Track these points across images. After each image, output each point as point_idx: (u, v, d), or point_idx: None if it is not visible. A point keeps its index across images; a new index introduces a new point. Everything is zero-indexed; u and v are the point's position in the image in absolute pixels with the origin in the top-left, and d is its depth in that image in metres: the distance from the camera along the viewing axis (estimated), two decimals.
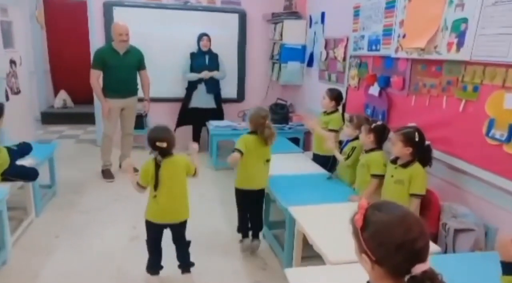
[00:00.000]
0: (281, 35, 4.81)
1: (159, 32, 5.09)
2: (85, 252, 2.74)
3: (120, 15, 4.88)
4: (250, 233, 2.79)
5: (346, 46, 3.71)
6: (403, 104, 2.81)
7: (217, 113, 4.88)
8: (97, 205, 3.50)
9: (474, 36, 2.06)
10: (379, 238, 0.89)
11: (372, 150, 2.54)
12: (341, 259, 1.79)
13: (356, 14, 3.41)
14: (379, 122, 2.56)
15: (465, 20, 2.12)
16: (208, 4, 5.21)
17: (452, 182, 2.38)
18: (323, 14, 4.29)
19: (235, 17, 5.24)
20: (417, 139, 2.15)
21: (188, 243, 2.42)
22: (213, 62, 4.77)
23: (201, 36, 4.74)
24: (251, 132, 2.62)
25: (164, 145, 2.17)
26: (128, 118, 4.30)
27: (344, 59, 3.76)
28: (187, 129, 5.10)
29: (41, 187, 3.52)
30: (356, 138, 2.78)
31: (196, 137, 5.18)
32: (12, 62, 4.59)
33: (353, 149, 2.80)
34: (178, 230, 2.37)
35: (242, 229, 2.77)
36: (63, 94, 7.15)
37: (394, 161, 2.29)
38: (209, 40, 4.74)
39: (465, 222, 2.09)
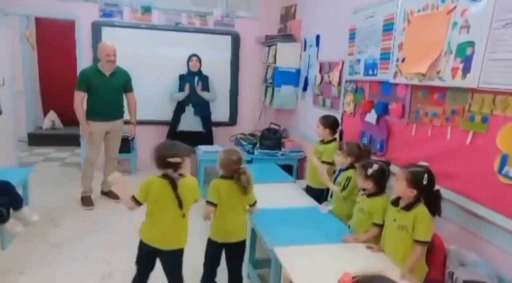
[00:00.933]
0: (275, 58, 4.64)
1: (149, 54, 4.91)
2: None
3: (109, 35, 4.71)
4: None
5: (341, 70, 3.52)
6: (403, 134, 2.58)
7: (206, 138, 4.63)
8: (71, 236, 3.21)
9: (482, 61, 1.85)
10: None
11: (375, 194, 2.24)
12: None
13: (352, 37, 3.23)
14: (375, 166, 2.20)
15: (471, 44, 1.91)
16: (200, 26, 5.06)
17: (459, 223, 2.11)
18: (318, 37, 4.13)
19: (228, 39, 5.09)
20: (425, 182, 1.86)
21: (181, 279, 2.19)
22: (203, 83, 4.57)
23: (190, 57, 4.57)
24: (224, 177, 2.29)
25: (178, 159, 2.00)
26: (113, 142, 4.07)
27: (339, 84, 3.56)
28: None
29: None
30: (350, 167, 2.53)
31: None
32: None
33: (348, 179, 2.54)
34: (166, 260, 2.13)
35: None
36: (52, 115, 6.94)
37: (395, 202, 2.01)
38: (199, 61, 4.56)
39: (476, 273, 1.81)
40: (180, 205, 2.03)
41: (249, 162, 4.31)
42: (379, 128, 2.83)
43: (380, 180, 2.20)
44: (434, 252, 2.08)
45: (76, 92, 3.78)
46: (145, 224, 2.14)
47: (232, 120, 5.33)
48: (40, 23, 6.85)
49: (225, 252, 2.41)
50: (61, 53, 6.74)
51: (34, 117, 6.89)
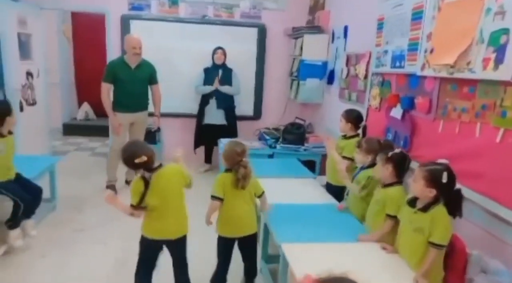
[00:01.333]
0: (301, 50, 4.52)
1: (175, 46, 4.95)
2: (66, 276, 2.53)
3: (138, 28, 4.79)
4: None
5: (368, 63, 3.35)
6: (429, 130, 2.41)
7: (229, 131, 4.60)
8: (93, 223, 3.30)
9: None
10: None
11: (390, 184, 2.13)
12: None
13: (380, 27, 3.06)
14: (397, 150, 2.13)
15: (506, 31, 1.73)
16: (227, 18, 5.02)
17: (484, 227, 1.95)
18: (346, 28, 3.97)
19: (254, 32, 5.02)
20: (444, 180, 1.71)
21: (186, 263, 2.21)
22: (226, 77, 4.54)
23: (215, 50, 4.54)
24: (228, 170, 2.24)
25: (144, 158, 1.98)
26: (137, 133, 4.12)
27: (366, 76, 3.40)
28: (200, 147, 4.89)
29: None
30: (371, 165, 2.39)
31: (208, 156, 4.94)
32: (29, 74, 4.58)
33: (369, 178, 2.40)
34: (176, 247, 2.16)
35: (216, 281, 2.35)
36: (85, 107, 7.18)
37: (412, 202, 1.87)
38: (224, 53, 4.52)
39: (498, 282, 1.65)
40: (140, 202, 2.02)
41: (271, 156, 4.25)
42: (404, 124, 2.67)
43: (400, 166, 2.09)
44: (454, 256, 1.93)
45: (103, 84, 3.86)
46: (147, 221, 2.12)
47: (257, 114, 5.27)
48: (76, 17, 7.08)
49: (238, 246, 2.38)
50: (95, 46, 6.93)
51: (69, 109, 7.15)
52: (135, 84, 3.90)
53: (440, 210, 1.75)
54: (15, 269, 2.57)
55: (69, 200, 3.69)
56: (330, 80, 4.39)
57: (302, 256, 1.91)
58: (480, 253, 1.86)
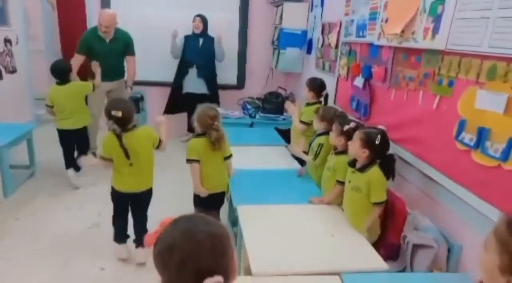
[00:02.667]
0: (281, 19, 4.52)
1: (157, 14, 4.93)
2: (39, 237, 2.68)
3: None
4: None
5: (339, 32, 3.39)
6: (383, 98, 2.51)
7: (211, 100, 4.65)
8: (70, 189, 3.46)
9: (451, 21, 1.74)
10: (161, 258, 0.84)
11: (342, 152, 2.25)
12: (265, 271, 1.60)
13: None
14: (352, 125, 2.20)
15: (442, 1, 1.79)
16: None
17: (421, 188, 2.09)
18: None
19: (236, 0, 4.99)
20: (377, 142, 1.86)
21: (146, 216, 2.45)
22: (207, 45, 4.56)
23: (194, 18, 4.53)
24: (200, 135, 2.39)
25: (120, 114, 2.17)
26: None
27: (337, 46, 3.44)
28: (183, 116, 4.97)
29: (17, 168, 3.52)
30: (324, 133, 2.51)
31: (190, 124, 5.03)
32: (7, 41, 4.60)
33: (320, 145, 2.52)
34: (140, 199, 2.40)
35: None
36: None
37: (352, 164, 2.02)
38: (202, 21, 4.51)
39: (425, 237, 1.81)
40: (127, 156, 2.24)
41: (250, 125, 4.36)
42: (364, 93, 2.75)
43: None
44: (394, 216, 2.10)
45: (76, 55, 3.93)
46: (115, 175, 2.35)
47: (240, 83, 5.32)
48: None
49: (206, 201, 2.53)
50: (80, 14, 6.87)
51: None
52: (111, 57, 3.91)
53: (375, 171, 1.90)
54: None
55: (49, 167, 3.83)
56: (309, 49, 4.42)
57: (254, 216, 2.07)
58: (416, 212, 2.02)
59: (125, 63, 4.14)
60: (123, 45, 3.99)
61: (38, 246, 2.58)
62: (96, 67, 3.81)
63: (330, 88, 3.42)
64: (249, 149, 3.23)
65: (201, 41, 4.56)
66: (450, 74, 1.79)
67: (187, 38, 4.62)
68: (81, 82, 3.86)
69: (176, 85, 4.74)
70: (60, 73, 3.55)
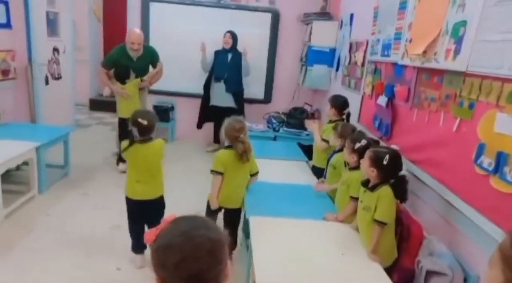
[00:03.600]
0: (310, 36, 4.58)
1: (192, 29, 5.13)
2: (65, 233, 2.83)
3: (156, 10, 5.03)
4: None
5: (365, 51, 3.40)
6: (406, 118, 2.48)
7: (237, 113, 4.75)
8: (98, 189, 3.63)
9: (473, 42, 1.72)
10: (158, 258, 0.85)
11: (355, 168, 2.25)
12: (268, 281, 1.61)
13: (375, 15, 3.10)
14: (363, 142, 2.20)
15: (464, 23, 1.78)
16: (241, 3, 5.14)
17: (440, 212, 2.03)
18: (351, 16, 3.99)
19: (268, 17, 5.12)
20: (385, 162, 1.84)
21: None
22: (236, 60, 4.68)
23: (224, 34, 4.68)
24: (229, 147, 2.44)
25: (145, 122, 2.28)
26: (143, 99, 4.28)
27: (363, 64, 3.45)
28: (209, 126, 5.10)
29: (52, 167, 3.74)
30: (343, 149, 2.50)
31: (217, 135, 5.15)
32: (55, 50, 4.94)
33: (345, 162, 2.51)
34: (152, 207, 2.46)
35: None
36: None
37: (366, 183, 2.00)
38: (232, 37, 4.65)
39: (439, 264, 1.75)
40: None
41: (273, 139, 4.41)
42: (387, 112, 2.73)
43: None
44: (410, 239, 2.05)
45: (100, 68, 4.09)
46: (128, 183, 2.45)
47: (267, 98, 5.40)
48: None
49: (223, 216, 2.61)
50: (122, 26, 7.26)
51: (96, 85, 7.56)
52: (137, 73, 4.06)
53: (385, 190, 1.87)
54: (21, 224, 2.91)
55: (82, 168, 4.04)
56: (337, 67, 4.44)
57: (266, 228, 2.08)
58: (432, 237, 1.96)
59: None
60: (149, 60, 4.13)
61: (62, 240, 2.72)
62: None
63: (355, 106, 3.42)
64: (270, 162, 3.26)
65: (229, 56, 4.69)
66: (471, 96, 1.76)
67: (217, 53, 4.76)
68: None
69: (204, 98, 4.87)
70: None
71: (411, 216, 2.13)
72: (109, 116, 6.83)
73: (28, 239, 2.70)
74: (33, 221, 2.96)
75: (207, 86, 4.84)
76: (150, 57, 4.15)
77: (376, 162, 1.86)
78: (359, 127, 3.31)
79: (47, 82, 4.78)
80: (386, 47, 2.80)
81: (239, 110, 4.84)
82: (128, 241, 2.55)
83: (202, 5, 5.12)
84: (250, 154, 2.41)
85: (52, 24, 4.83)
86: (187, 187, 3.75)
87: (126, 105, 3.96)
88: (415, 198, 2.26)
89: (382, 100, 2.80)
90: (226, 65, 4.65)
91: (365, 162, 1.91)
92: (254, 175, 2.54)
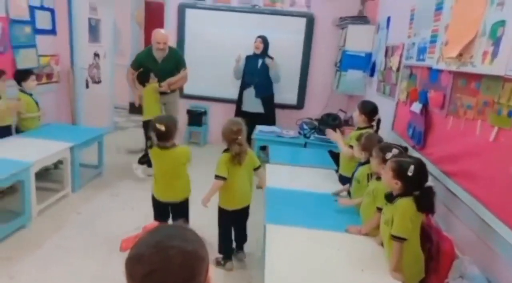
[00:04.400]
0: (345, 41, 4.45)
1: (226, 35, 5.17)
2: (93, 232, 2.91)
3: (192, 16, 5.13)
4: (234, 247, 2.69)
5: (401, 55, 3.23)
6: (440, 127, 2.30)
7: (267, 119, 4.71)
8: (128, 190, 3.71)
9: None
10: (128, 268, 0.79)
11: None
12: None
13: (412, 18, 2.94)
14: (394, 152, 2.03)
15: (502, 23, 1.61)
16: (275, 8, 5.10)
17: (475, 231, 1.85)
18: (388, 19, 3.83)
19: (302, 22, 5.04)
20: (410, 174, 1.70)
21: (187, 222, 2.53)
22: (266, 65, 4.63)
23: (255, 39, 4.65)
24: (227, 150, 2.45)
25: (162, 128, 2.32)
26: (171, 112, 4.29)
27: (398, 69, 3.28)
28: None
29: (87, 167, 3.89)
30: (369, 162, 2.36)
31: (247, 141, 5.13)
32: (96, 55, 5.17)
33: (368, 176, 2.37)
34: (176, 207, 2.55)
35: (226, 251, 2.60)
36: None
37: (389, 196, 1.86)
38: (263, 42, 4.60)
39: None
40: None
41: (304, 146, 4.30)
42: (420, 119, 2.56)
43: None
44: (440, 258, 1.89)
45: (129, 68, 4.22)
46: (154, 184, 2.53)
47: (300, 104, 5.31)
48: (148, 4, 7.68)
49: (230, 216, 2.59)
50: None
51: None
52: (162, 75, 4.09)
53: (401, 202, 1.74)
54: (52, 221, 3.03)
55: (115, 169, 4.17)
56: (372, 72, 4.27)
57: (283, 237, 2.01)
58: (465, 258, 1.79)
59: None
60: (174, 63, 4.15)
61: (90, 239, 2.81)
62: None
63: (389, 113, 3.27)
64: (297, 169, 3.18)
65: (260, 61, 4.65)
66: (510, 103, 1.59)
67: (248, 58, 4.74)
68: None
69: (238, 103, 4.87)
70: None
71: (442, 232, 1.96)
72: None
73: (57, 237, 2.81)
74: (64, 218, 3.07)
75: (239, 93, 4.83)
76: (175, 61, 4.17)
77: (400, 173, 1.73)
78: (392, 135, 3.16)
79: (87, 86, 5.02)
80: (422, 51, 2.64)
81: (268, 115, 4.79)
82: None
83: (236, 10, 5.14)
84: (244, 156, 2.40)
85: (93, 31, 5.07)
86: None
87: (146, 108, 4.06)
88: (448, 213, 2.09)
89: (416, 107, 2.64)
90: (256, 70, 4.62)
91: (387, 173, 1.78)
92: (257, 168, 2.56)
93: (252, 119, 4.73)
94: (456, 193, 1.99)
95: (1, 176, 2.51)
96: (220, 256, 2.60)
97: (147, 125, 3.79)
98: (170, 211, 2.56)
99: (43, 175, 3.62)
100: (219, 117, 5.41)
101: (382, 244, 1.95)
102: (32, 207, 2.90)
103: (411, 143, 2.71)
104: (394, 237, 1.72)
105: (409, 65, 2.95)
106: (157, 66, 4.08)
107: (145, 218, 3.09)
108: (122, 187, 3.80)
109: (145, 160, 3.94)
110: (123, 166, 4.30)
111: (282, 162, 3.30)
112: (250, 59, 4.70)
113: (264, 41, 4.61)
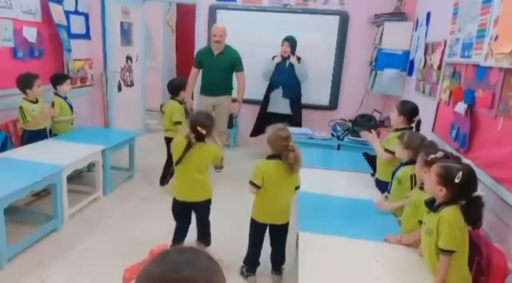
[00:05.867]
0: (381, 38, 4.25)
1: (257, 35, 5.08)
2: (123, 236, 2.90)
3: (223, 17, 5.07)
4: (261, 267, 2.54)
5: (442, 52, 3.02)
6: (488, 129, 2.11)
7: (294, 120, 4.55)
8: (158, 195, 3.69)
9: None
10: None
11: None
12: None
13: (455, 12, 2.73)
14: (439, 154, 1.87)
15: None
16: (308, 6, 4.97)
17: None
18: (428, 15, 3.61)
19: (336, 20, 4.87)
20: (457, 180, 1.54)
21: (208, 223, 2.58)
22: (293, 68, 4.50)
23: (282, 41, 4.49)
24: (271, 157, 2.25)
25: (204, 132, 2.29)
26: (220, 116, 4.31)
27: (440, 67, 3.07)
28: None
29: (119, 169, 3.93)
30: (410, 162, 2.20)
31: None
32: (128, 58, 5.25)
33: (412, 177, 2.21)
34: (197, 208, 2.51)
35: (251, 264, 2.46)
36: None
37: (430, 202, 1.70)
38: (290, 46, 4.46)
39: None
40: (178, 162, 2.38)
41: (337, 148, 4.15)
42: (465, 121, 2.37)
43: None
44: (490, 273, 1.70)
45: (192, 69, 4.31)
46: (175, 185, 2.51)
47: (333, 104, 5.14)
48: (180, 7, 7.76)
49: (268, 232, 2.44)
50: (192, 35, 7.53)
51: (167, 91, 7.91)
52: (215, 70, 4.17)
53: (447, 211, 1.58)
54: (84, 224, 3.04)
55: (146, 171, 4.19)
56: (411, 71, 4.06)
57: (316, 246, 1.90)
58: None
59: (234, 81, 4.35)
60: (229, 60, 4.18)
61: (119, 243, 2.79)
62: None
63: (429, 114, 3.07)
64: (330, 173, 3.04)
65: (287, 62, 4.53)
66: None
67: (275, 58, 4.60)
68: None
69: (263, 105, 4.77)
70: (173, 89, 3.83)
71: (492, 244, 1.78)
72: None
73: (89, 240, 2.81)
74: (96, 222, 3.09)
75: (266, 94, 4.73)
76: (230, 59, 4.21)
77: (446, 179, 1.57)
78: (433, 137, 2.95)
79: (120, 89, 5.10)
80: (467, 47, 2.44)
81: (295, 117, 4.64)
82: None
83: (267, 10, 5.06)
84: (300, 163, 2.21)
85: (126, 34, 5.15)
86: (235, 197, 3.58)
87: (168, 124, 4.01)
88: (499, 223, 1.90)
89: (461, 107, 2.44)
90: (284, 71, 4.50)
91: (431, 179, 1.63)
92: (297, 188, 2.35)
93: (277, 121, 4.60)
94: (508, 201, 1.80)
95: (33, 180, 2.54)
96: (245, 266, 2.49)
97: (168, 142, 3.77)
98: (189, 211, 2.50)
99: (76, 177, 3.68)
100: (249, 119, 5.34)
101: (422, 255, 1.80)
102: (64, 211, 2.94)
103: (454, 146, 2.51)
104: (442, 251, 1.57)
105: (452, 62, 2.75)
106: (213, 60, 4.15)
107: (173, 223, 3.07)
108: (152, 190, 3.80)
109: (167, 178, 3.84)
110: (154, 168, 4.29)
111: (314, 165, 3.16)
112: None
113: (291, 43, 4.47)
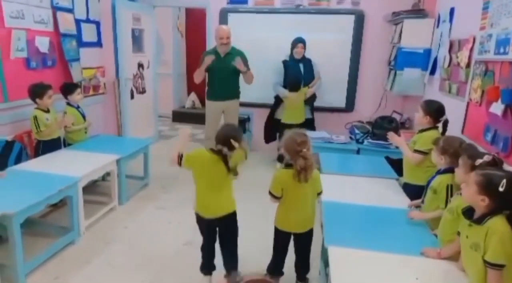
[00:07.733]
0: (400, 37, 4.09)
1: (270, 37, 4.97)
2: (140, 247, 2.81)
3: (234, 21, 4.98)
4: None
5: (471, 49, 2.86)
6: None
7: (306, 124, 4.39)
8: (174, 203, 3.59)
9: None
10: None
11: None
12: None
13: (486, 7, 2.57)
14: (486, 158, 1.70)
15: None
16: (321, 6, 4.83)
17: None
18: (452, 11, 3.45)
19: (351, 19, 4.73)
20: (501, 189, 1.39)
21: (235, 243, 2.36)
22: (309, 71, 4.37)
23: (296, 43, 4.33)
24: (289, 165, 2.13)
25: (237, 145, 2.14)
26: (230, 121, 4.25)
27: (468, 65, 2.90)
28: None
29: (133, 178, 3.84)
30: (448, 170, 2.04)
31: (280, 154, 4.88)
32: (140, 65, 5.18)
33: (449, 187, 2.04)
34: (223, 224, 2.30)
35: (275, 273, 2.36)
36: (193, 96, 7.79)
37: (468, 213, 1.56)
38: (304, 47, 4.32)
39: None
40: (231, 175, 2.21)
41: (357, 152, 3.99)
42: (505, 122, 2.20)
43: None
44: None
45: (197, 69, 4.17)
46: (197, 199, 2.31)
47: (349, 106, 4.99)
48: (189, 13, 7.69)
49: (293, 240, 2.34)
50: (203, 41, 7.45)
51: (179, 97, 7.85)
52: (224, 71, 4.08)
53: (496, 222, 1.43)
54: (100, 236, 2.96)
55: (161, 179, 4.09)
56: (433, 70, 3.89)
57: (348, 262, 1.76)
58: None
59: (240, 84, 4.26)
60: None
61: (136, 255, 2.71)
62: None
63: (457, 115, 2.91)
64: (352, 179, 2.89)
65: (302, 67, 4.40)
66: None
67: (285, 63, 4.45)
68: None
69: (273, 109, 4.63)
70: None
71: None
72: (190, 127, 6.99)
73: (105, 253, 2.72)
74: (111, 233, 3.00)
75: (277, 100, 4.58)
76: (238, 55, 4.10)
77: (488, 188, 1.43)
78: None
79: (132, 97, 5.02)
80: (502, 43, 2.28)
81: (308, 121, 4.50)
82: (198, 260, 2.41)
83: (279, 12, 4.94)
84: (310, 172, 2.08)
85: (137, 41, 5.08)
86: (253, 204, 3.46)
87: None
88: None
89: (497, 108, 2.28)
90: (301, 78, 4.36)
91: (471, 188, 1.48)
92: (319, 194, 2.26)
93: (290, 126, 4.47)
94: None
95: (49, 193, 2.45)
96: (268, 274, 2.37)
97: None
98: (215, 229, 2.32)
99: (91, 186, 3.61)
100: (261, 124, 5.21)
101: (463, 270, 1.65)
102: (81, 223, 2.86)
103: (490, 149, 2.34)
104: (491, 265, 1.42)
105: (484, 60, 2.59)
106: (220, 61, 4.06)
107: (192, 233, 2.96)
108: (167, 199, 3.70)
109: None
110: (169, 176, 4.21)
111: (334, 171, 3.02)
112: (289, 64, 4.42)
113: (305, 45, 4.34)
